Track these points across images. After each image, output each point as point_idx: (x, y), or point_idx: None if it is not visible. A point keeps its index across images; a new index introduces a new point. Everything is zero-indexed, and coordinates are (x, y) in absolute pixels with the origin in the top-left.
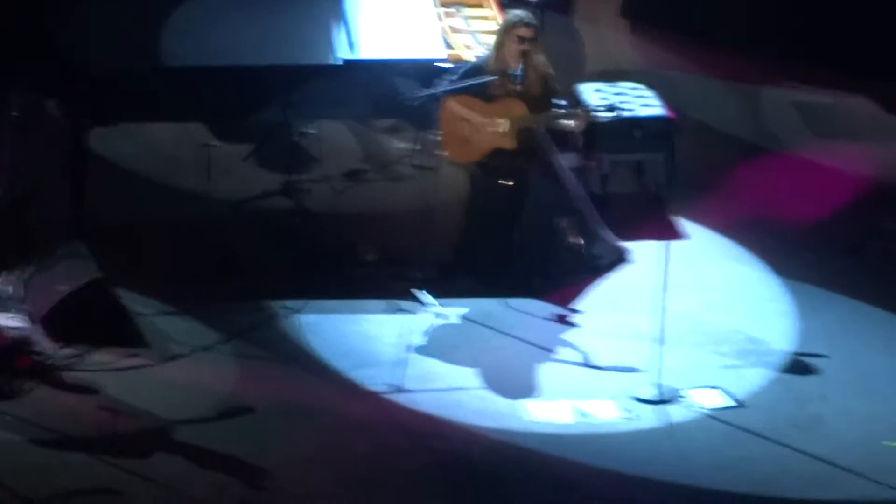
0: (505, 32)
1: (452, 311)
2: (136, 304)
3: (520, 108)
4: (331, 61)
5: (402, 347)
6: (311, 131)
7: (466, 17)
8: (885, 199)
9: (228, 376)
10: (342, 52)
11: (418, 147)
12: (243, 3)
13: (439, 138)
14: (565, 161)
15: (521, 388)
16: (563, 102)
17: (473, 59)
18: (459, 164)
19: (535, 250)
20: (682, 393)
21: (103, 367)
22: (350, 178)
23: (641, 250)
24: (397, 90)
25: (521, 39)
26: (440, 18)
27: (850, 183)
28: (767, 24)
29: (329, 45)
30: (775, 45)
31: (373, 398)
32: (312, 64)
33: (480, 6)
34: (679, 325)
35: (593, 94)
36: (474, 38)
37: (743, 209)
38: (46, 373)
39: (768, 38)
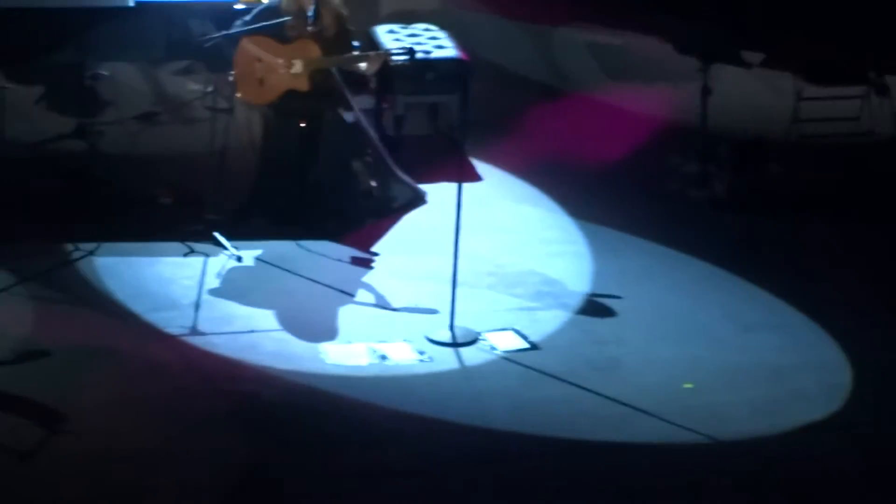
0: None
1: (248, 254)
2: None
3: (314, 50)
4: (122, 3)
5: (197, 290)
6: (105, 73)
7: None
8: (680, 141)
9: (23, 319)
10: None
11: (213, 89)
12: None
13: (234, 80)
14: (360, 103)
15: (317, 330)
16: (357, 44)
17: (267, 0)
18: (254, 106)
19: (330, 192)
20: (477, 335)
21: None
22: (144, 120)
23: (436, 192)
24: (191, 32)
25: None
26: None
27: (645, 125)
28: None
29: None
30: None
31: (169, 340)
32: (104, 5)
33: None
34: (474, 266)
35: (387, 35)
36: None
37: (538, 151)
38: None
39: None
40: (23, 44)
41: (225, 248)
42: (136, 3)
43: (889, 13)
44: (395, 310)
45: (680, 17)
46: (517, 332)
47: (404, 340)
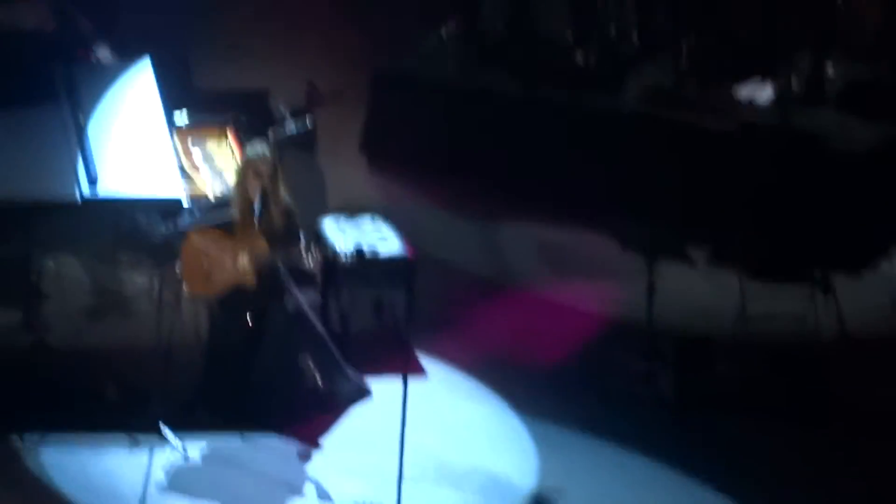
0: (245, 168)
1: (194, 447)
2: None
3: (260, 244)
4: (70, 198)
5: (143, 483)
6: (52, 266)
7: (206, 152)
8: (625, 339)
9: None
10: (82, 189)
11: (160, 283)
12: None
13: (181, 274)
14: (305, 297)
15: None
16: (304, 238)
17: (214, 194)
18: (200, 300)
19: (275, 386)
20: None
21: None
22: (91, 313)
23: (382, 387)
24: (139, 226)
25: (261, 175)
26: (180, 154)
27: (591, 322)
28: (504, 160)
29: (69, 182)
30: (514, 182)
31: None
32: (52, 200)
33: (219, 141)
34: (419, 462)
35: (334, 229)
36: (214, 173)
37: (484, 347)
38: None
39: (507, 174)
40: None
41: (171, 441)
42: (85, 198)
43: (834, 213)
44: None
45: (625, 214)
46: None
47: None
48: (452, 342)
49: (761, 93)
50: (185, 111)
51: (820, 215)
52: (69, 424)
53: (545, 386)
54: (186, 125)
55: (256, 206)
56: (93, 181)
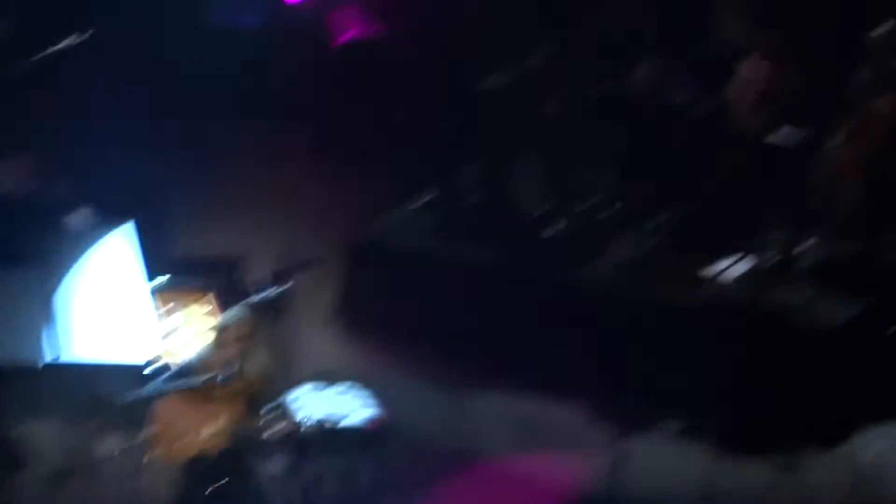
0: (221, 333)
1: None
2: None
3: (233, 410)
4: (38, 361)
5: None
6: (18, 432)
7: (183, 317)
8: None
9: None
10: (51, 353)
11: (126, 447)
12: None
13: (147, 438)
14: (277, 464)
15: None
16: (277, 404)
17: (191, 359)
18: (172, 465)
19: None
20: None
21: None
22: (57, 480)
23: None
24: (111, 389)
25: (237, 341)
26: (157, 318)
27: (560, 494)
28: (477, 330)
29: (37, 346)
30: (487, 352)
31: None
32: (19, 365)
33: (197, 306)
34: None
35: (307, 395)
36: (191, 337)
37: None
38: None
39: (480, 344)
40: None
41: None
42: (54, 362)
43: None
44: None
45: (595, 387)
46: None
47: None
48: None
49: (733, 268)
50: (162, 276)
51: (789, 392)
52: None
53: None
54: (164, 289)
55: (232, 371)
56: (65, 344)
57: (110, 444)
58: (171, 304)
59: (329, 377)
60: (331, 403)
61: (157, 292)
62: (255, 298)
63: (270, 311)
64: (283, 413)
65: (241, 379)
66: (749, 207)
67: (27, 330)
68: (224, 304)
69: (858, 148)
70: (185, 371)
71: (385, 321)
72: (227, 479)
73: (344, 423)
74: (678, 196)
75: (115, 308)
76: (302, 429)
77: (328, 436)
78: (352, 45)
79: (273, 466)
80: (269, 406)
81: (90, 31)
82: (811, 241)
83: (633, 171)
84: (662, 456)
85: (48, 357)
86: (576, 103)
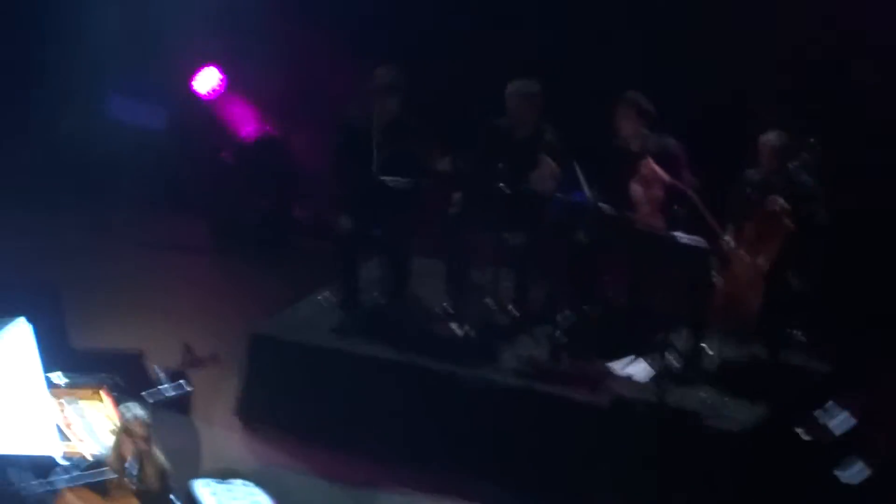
0: (121, 429)
1: None
2: None
3: None
4: None
5: None
6: None
7: (81, 412)
8: None
9: None
10: None
11: None
12: None
13: None
14: None
15: None
16: (177, 500)
17: (90, 454)
18: None
19: None
20: None
21: None
22: None
23: None
24: (11, 481)
25: (136, 436)
26: (55, 413)
27: None
28: (378, 428)
29: None
30: (388, 450)
31: None
32: None
33: (94, 401)
34: None
35: (206, 492)
36: (89, 432)
37: None
38: None
39: (380, 442)
40: None
41: None
42: None
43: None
44: None
45: (499, 482)
46: None
47: None
48: None
49: (637, 368)
50: (60, 371)
51: (695, 493)
52: None
53: None
54: (62, 385)
55: (131, 466)
56: None
57: None
58: (71, 399)
59: (227, 474)
60: (229, 500)
61: (57, 387)
62: (155, 393)
63: (170, 406)
64: None
65: (142, 473)
66: (649, 308)
67: None
68: (120, 401)
69: (755, 249)
70: (88, 465)
71: (283, 418)
72: None
73: None
74: (580, 296)
75: (16, 402)
76: None
77: None
78: (250, 139)
79: None
80: (170, 500)
81: None
82: (711, 343)
83: (534, 270)
84: None
85: None
86: (477, 202)
